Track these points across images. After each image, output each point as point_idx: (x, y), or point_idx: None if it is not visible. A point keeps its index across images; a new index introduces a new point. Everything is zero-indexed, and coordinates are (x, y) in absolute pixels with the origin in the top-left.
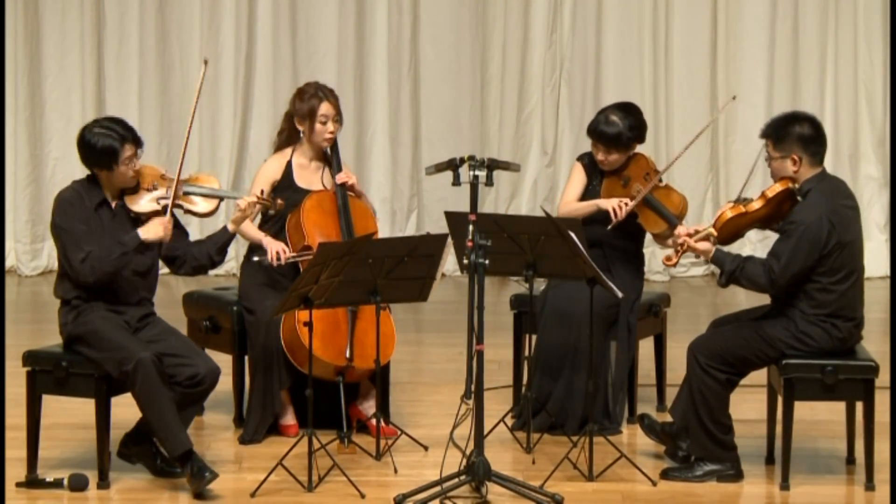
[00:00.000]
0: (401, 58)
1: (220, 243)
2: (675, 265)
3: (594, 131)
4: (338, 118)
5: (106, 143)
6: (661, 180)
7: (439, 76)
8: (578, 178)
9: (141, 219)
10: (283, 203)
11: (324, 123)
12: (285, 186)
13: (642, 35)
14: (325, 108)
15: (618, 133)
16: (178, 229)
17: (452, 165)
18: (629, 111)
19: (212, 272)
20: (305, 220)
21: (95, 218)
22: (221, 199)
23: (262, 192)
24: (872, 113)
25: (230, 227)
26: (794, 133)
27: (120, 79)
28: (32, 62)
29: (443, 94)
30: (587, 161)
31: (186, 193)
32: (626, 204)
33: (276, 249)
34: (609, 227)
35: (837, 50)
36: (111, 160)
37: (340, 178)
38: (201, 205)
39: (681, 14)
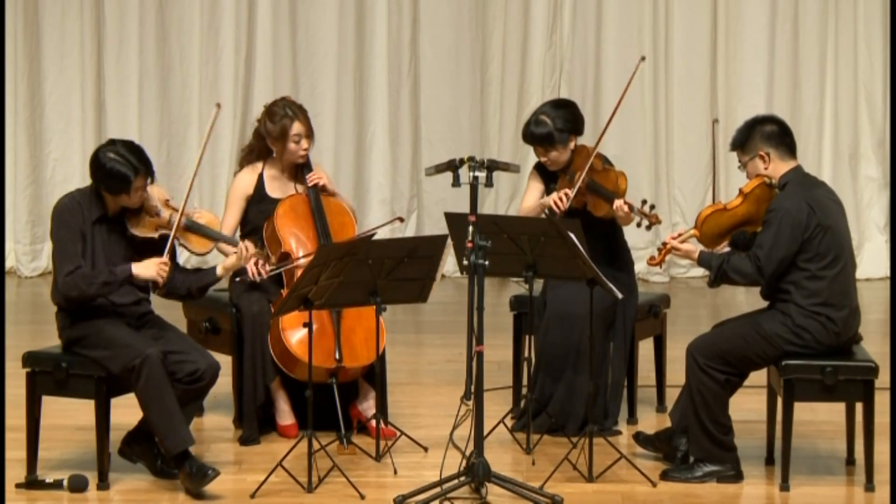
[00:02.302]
0: (401, 59)
1: (203, 283)
2: (658, 265)
3: (525, 134)
4: (309, 133)
5: (120, 171)
6: (606, 161)
7: (439, 77)
8: (534, 185)
9: (136, 240)
10: (275, 259)
11: (297, 143)
12: (258, 199)
13: (642, 36)
14: (296, 127)
15: (548, 132)
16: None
17: (452, 166)
18: (559, 106)
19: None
20: (280, 226)
21: (92, 231)
22: (218, 241)
23: (260, 245)
24: (872, 114)
25: (218, 271)
26: (756, 133)
27: (120, 80)
28: (32, 63)
29: (442, 95)
30: (541, 167)
31: (188, 229)
32: (567, 194)
33: (254, 268)
34: (556, 217)
35: (837, 51)
36: (121, 189)
37: (311, 178)
38: (197, 244)
39: (681, 15)
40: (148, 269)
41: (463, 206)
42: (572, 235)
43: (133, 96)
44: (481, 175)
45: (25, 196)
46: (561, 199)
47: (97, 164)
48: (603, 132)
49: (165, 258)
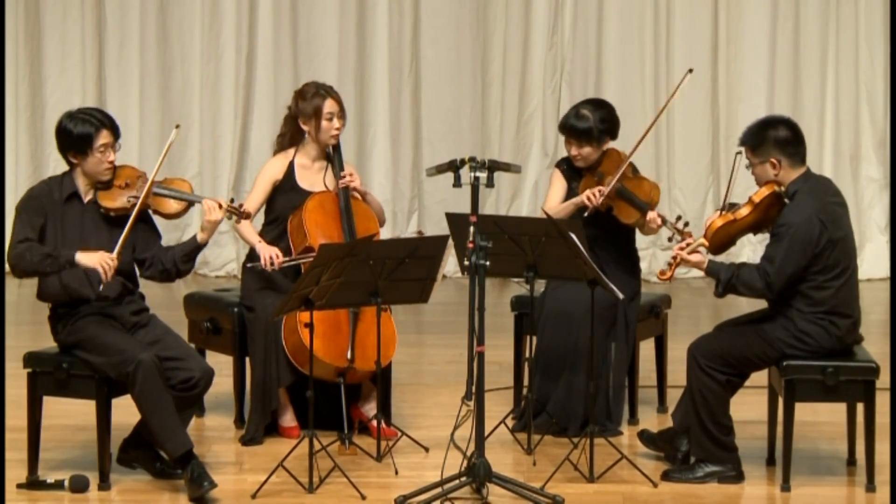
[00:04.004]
0: (402, 59)
1: (187, 251)
2: (669, 279)
3: (565, 126)
4: (342, 114)
5: (83, 129)
6: (635, 170)
7: (440, 77)
8: (559, 184)
9: (111, 215)
10: (249, 212)
11: (329, 120)
12: (287, 187)
13: (643, 37)
14: (329, 105)
15: (588, 127)
16: (151, 231)
17: (453, 167)
18: (600, 105)
19: (212, 273)
20: (308, 220)
21: (64, 210)
22: (190, 203)
23: (231, 200)
24: (873, 114)
25: (199, 237)
26: (770, 137)
27: (121, 80)
28: (33, 64)
29: (444, 95)
30: (565, 166)
31: (157, 194)
32: (601, 191)
33: (268, 254)
34: (585, 213)
35: (838, 51)
36: (86, 145)
37: (344, 181)
38: (169, 206)
39: (681, 15)
40: (91, 258)
41: (464, 207)
42: (573, 236)
43: (134, 97)
44: (482, 175)
45: None
46: (594, 195)
47: (61, 128)
48: (640, 140)
49: (114, 255)
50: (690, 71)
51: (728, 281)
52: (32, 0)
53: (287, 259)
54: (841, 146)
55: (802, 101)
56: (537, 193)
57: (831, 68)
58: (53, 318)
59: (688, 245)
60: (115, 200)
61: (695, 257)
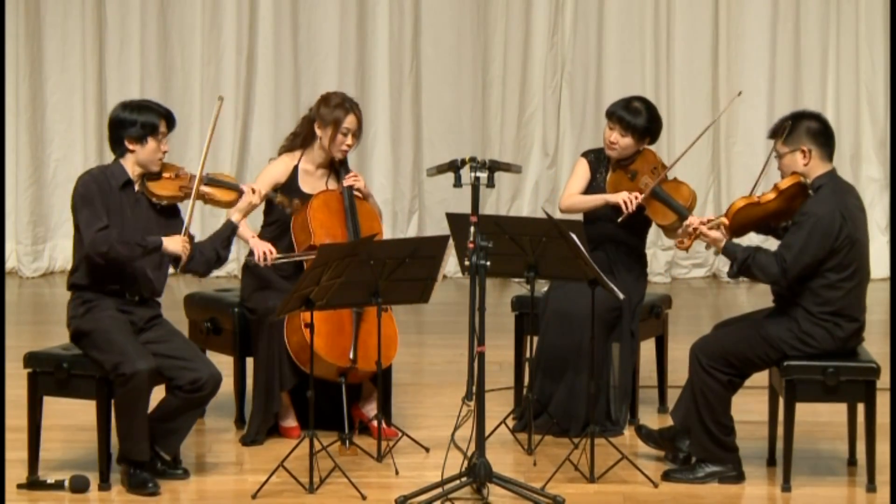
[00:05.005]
0: (402, 59)
1: (224, 236)
2: (687, 249)
3: (615, 114)
4: (358, 132)
5: (148, 117)
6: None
7: (441, 77)
8: (582, 173)
9: (162, 204)
10: (299, 204)
11: (345, 135)
12: (289, 190)
13: (643, 37)
14: (350, 120)
15: (640, 123)
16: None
17: (454, 167)
18: (650, 107)
19: (213, 273)
20: (312, 219)
21: (119, 198)
22: (239, 192)
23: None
24: (874, 114)
25: (235, 217)
26: (803, 126)
27: (121, 80)
28: (34, 64)
29: (444, 95)
30: (592, 157)
31: (208, 184)
32: (637, 197)
33: (262, 250)
34: (620, 219)
35: (839, 51)
36: (147, 132)
37: (348, 179)
38: (222, 195)
39: (682, 15)
40: (175, 244)
41: (464, 207)
42: (573, 236)
43: (135, 96)
44: (483, 175)
45: (27, 197)
46: (630, 201)
47: (121, 117)
48: (685, 151)
49: (186, 237)
50: (739, 94)
51: (744, 261)
52: (33, 0)
53: (281, 255)
54: (841, 146)
55: (802, 101)
56: (537, 193)
57: (831, 68)
58: (77, 302)
59: (709, 221)
60: (166, 189)
61: (714, 233)
